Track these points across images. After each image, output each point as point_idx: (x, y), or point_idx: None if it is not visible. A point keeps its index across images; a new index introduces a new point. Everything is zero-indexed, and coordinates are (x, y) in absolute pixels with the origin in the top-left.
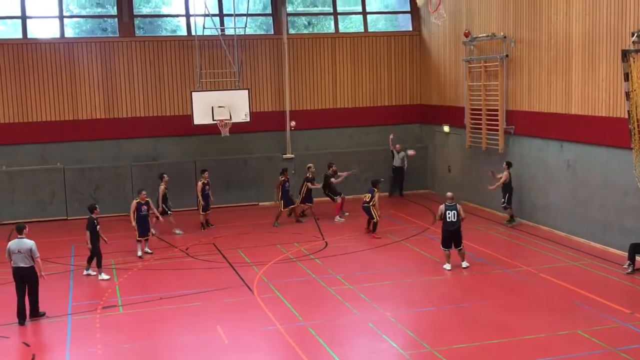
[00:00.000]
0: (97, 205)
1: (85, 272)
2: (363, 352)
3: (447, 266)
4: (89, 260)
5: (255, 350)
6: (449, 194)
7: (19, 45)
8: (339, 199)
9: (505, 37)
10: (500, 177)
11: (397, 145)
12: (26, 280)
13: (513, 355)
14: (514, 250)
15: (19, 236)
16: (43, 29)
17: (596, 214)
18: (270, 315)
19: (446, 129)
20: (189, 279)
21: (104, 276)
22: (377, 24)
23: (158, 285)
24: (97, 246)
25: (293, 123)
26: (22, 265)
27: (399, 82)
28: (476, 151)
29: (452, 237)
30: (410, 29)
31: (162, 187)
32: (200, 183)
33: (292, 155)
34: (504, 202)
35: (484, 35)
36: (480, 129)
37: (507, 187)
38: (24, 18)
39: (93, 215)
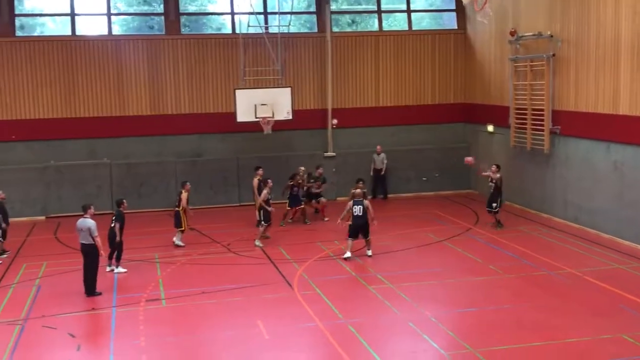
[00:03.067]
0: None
1: (109, 269)
2: (403, 351)
3: (348, 254)
4: (118, 257)
5: (295, 346)
6: (357, 190)
7: (68, 42)
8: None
9: (552, 36)
10: (491, 175)
11: (378, 147)
12: (85, 256)
13: (556, 358)
14: (558, 253)
15: (84, 215)
16: (91, 26)
17: None
18: (310, 312)
19: (490, 128)
20: (230, 274)
21: (121, 270)
22: (422, 22)
23: (200, 280)
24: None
25: (335, 121)
26: (83, 242)
27: (442, 81)
28: (521, 151)
29: (359, 229)
30: (456, 27)
31: (264, 192)
32: (255, 180)
33: (334, 154)
34: (496, 207)
35: (531, 34)
36: (525, 129)
37: (499, 190)
38: (72, 15)
39: (122, 209)
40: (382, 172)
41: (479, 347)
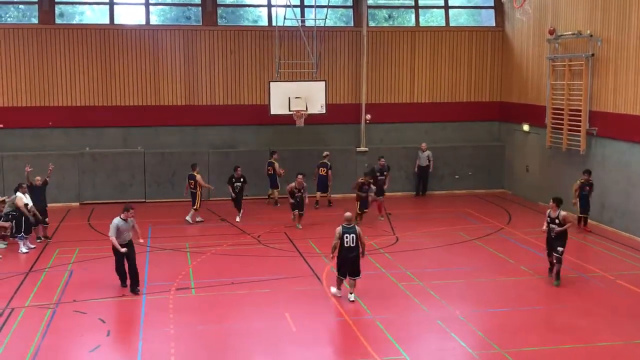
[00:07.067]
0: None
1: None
2: (430, 349)
3: (334, 290)
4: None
5: (322, 340)
6: (347, 214)
7: (106, 31)
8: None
9: (591, 35)
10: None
11: (423, 144)
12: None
13: None
14: (591, 256)
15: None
16: (129, 16)
17: None
18: (339, 306)
19: (526, 127)
20: (260, 266)
21: None
22: (459, 18)
23: (230, 270)
24: None
25: (368, 116)
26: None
27: (478, 78)
28: (556, 152)
29: (348, 264)
30: (494, 25)
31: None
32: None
33: (367, 149)
34: (562, 252)
35: (570, 33)
36: (562, 129)
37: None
38: (111, 4)
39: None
40: (430, 169)
41: (507, 347)
